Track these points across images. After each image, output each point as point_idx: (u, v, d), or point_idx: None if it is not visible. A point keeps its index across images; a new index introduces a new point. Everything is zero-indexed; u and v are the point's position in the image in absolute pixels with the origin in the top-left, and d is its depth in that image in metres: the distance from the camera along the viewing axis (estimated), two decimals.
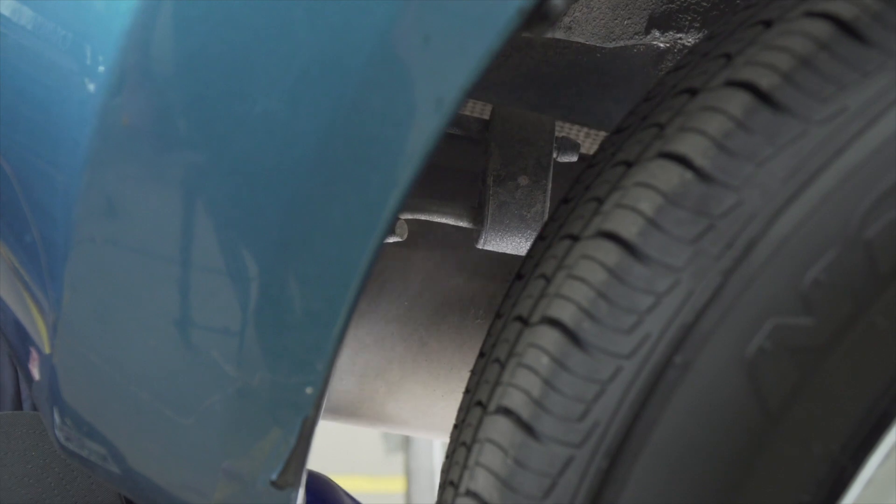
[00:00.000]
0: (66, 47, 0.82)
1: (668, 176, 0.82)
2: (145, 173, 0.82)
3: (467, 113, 1.44)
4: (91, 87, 0.81)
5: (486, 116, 1.36)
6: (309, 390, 0.85)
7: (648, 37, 1.25)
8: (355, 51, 0.78)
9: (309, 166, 0.80)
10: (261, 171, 0.80)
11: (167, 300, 0.85)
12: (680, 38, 1.25)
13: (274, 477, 0.88)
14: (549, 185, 1.22)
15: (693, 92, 0.87)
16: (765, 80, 0.82)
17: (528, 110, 1.24)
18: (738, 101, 0.82)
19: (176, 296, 0.85)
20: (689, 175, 0.81)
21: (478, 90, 1.35)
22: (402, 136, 0.79)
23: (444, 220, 1.27)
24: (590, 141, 1.46)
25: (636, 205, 0.83)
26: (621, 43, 1.25)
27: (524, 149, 1.21)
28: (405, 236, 1.26)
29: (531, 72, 1.35)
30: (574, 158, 1.26)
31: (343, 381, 1.46)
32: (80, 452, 0.94)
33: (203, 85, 0.80)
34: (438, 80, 0.78)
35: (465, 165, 1.38)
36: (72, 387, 0.91)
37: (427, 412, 1.52)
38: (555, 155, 1.24)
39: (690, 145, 0.82)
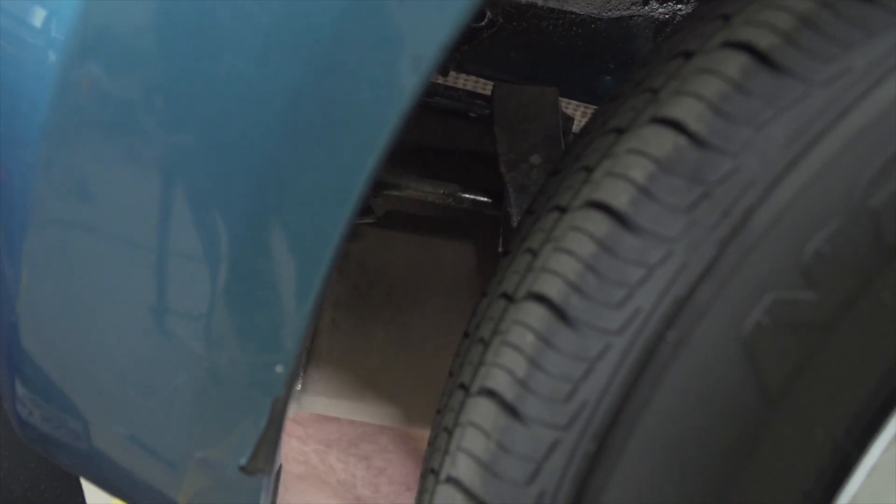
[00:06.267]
0: (23, 6, 0.78)
1: (661, 142, 0.78)
2: (106, 141, 0.78)
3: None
4: (50, 50, 0.77)
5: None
6: (279, 369, 0.80)
7: (647, 7, 1.20)
8: (328, 4, 0.73)
9: (279, 130, 0.75)
10: (228, 136, 0.76)
11: (131, 276, 0.80)
12: (680, 9, 1.20)
13: (243, 462, 0.83)
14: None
15: (689, 55, 0.82)
16: (764, 41, 0.77)
17: (526, 84, 1.20)
18: (735, 63, 0.78)
19: (140, 272, 0.80)
20: (682, 140, 0.77)
21: (470, 64, 1.31)
22: (377, 96, 0.75)
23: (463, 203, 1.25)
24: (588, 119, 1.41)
25: (627, 173, 0.78)
26: (618, 13, 1.20)
27: (529, 126, 1.17)
28: (382, 213, 1.22)
29: (524, 44, 1.30)
30: (568, 134, 1.22)
31: (321, 368, 1.41)
32: (42, 435, 0.89)
33: (167, 45, 0.75)
34: (416, 36, 0.74)
35: (467, 145, 1.34)
36: (30, 368, 0.87)
37: (409, 400, 1.48)
38: None
39: (685, 109, 0.78)
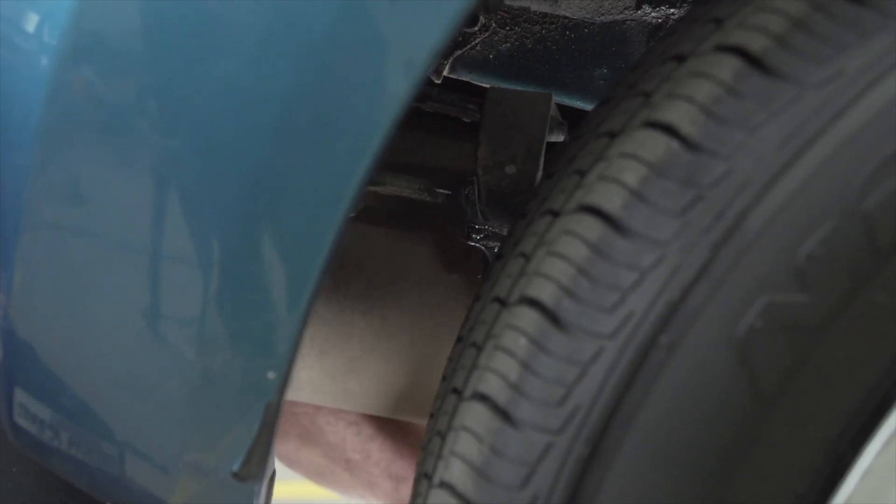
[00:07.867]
0: (16, 10, 0.78)
1: (654, 145, 0.78)
2: (99, 144, 0.77)
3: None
4: (43, 54, 0.77)
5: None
6: (271, 375, 0.80)
7: (639, 11, 1.20)
8: (320, 8, 0.73)
9: (272, 134, 0.75)
10: (221, 140, 0.76)
11: (125, 280, 0.80)
12: (672, 13, 1.20)
13: (235, 468, 0.83)
14: (539, 173, 1.18)
15: (681, 58, 0.82)
16: (756, 44, 0.77)
17: (521, 89, 1.20)
18: (727, 66, 0.78)
19: (133, 275, 0.80)
20: (675, 144, 0.77)
21: (461, 68, 1.31)
22: (369, 100, 0.74)
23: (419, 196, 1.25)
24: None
25: (620, 176, 0.78)
26: (610, 18, 1.20)
27: (514, 134, 1.17)
28: (360, 206, 1.23)
29: (516, 49, 1.30)
30: (561, 138, 1.22)
31: (303, 357, 1.42)
32: (33, 441, 0.89)
33: (159, 49, 0.75)
34: (408, 40, 0.74)
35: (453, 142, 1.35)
36: (22, 373, 0.86)
37: (390, 389, 1.49)
38: None
39: (677, 113, 0.78)
